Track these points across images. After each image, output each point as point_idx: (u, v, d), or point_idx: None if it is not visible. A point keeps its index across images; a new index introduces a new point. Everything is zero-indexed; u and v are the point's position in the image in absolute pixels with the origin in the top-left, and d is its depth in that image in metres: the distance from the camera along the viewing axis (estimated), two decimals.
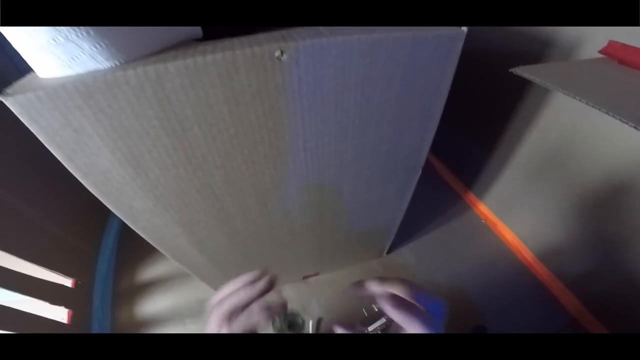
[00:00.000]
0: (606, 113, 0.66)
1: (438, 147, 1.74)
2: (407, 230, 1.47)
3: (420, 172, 0.86)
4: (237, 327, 0.35)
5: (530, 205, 1.30)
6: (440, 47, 0.55)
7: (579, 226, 1.14)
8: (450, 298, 1.28)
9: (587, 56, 0.92)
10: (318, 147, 0.63)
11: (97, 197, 0.57)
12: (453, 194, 1.71)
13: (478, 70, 1.31)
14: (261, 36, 0.48)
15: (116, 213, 0.62)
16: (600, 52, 0.88)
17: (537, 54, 1.04)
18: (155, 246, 0.76)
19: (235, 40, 0.47)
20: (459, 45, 0.56)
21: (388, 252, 1.41)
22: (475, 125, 1.46)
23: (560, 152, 1.10)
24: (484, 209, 1.56)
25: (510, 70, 0.71)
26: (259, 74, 0.47)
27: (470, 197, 1.63)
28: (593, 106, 0.67)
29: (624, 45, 0.86)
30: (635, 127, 0.61)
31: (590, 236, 1.10)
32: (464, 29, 0.54)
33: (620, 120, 0.64)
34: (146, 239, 0.73)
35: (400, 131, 0.69)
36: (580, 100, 0.68)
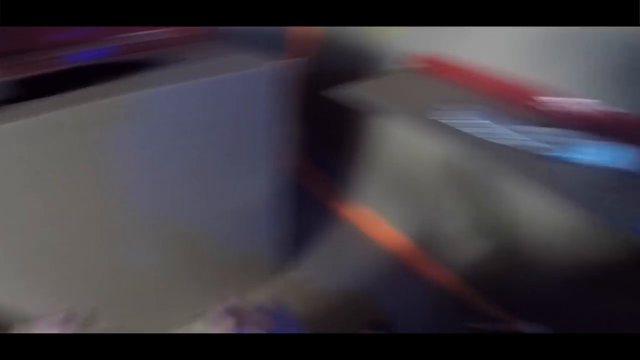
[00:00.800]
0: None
1: (310, 160, 1.90)
2: (297, 245, 1.58)
3: (280, 193, 0.96)
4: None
5: (399, 204, 1.54)
6: (249, 85, 0.62)
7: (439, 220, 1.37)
8: (348, 302, 1.40)
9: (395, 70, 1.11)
10: (160, 191, 0.68)
11: None
12: (330, 205, 1.85)
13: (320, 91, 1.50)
14: (78, 94, 0.50)
15: None
16: (417, 64, 1.06)
17: (358, 72, 1.22)
18: None
19: (52, 101, 0.49)
20: (268, 79, 0.64)
21: (283, 270, 1.47)
22: (338, 140, 1.64)
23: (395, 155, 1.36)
24: (357, 213, 1.75)
25: (321, 93, 0.82)
26: (75, 134, 0.50)
27: (346, 206, 1.80)
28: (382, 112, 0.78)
29: (434, 58, 1.04)
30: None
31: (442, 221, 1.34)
32: (267, 66, 0.62)
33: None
34: None
35: (243, 161, 0.77)
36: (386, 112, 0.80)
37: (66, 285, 0.76)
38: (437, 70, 1.05)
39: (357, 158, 1.58)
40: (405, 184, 1.44)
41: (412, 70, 1.09)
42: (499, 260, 1.22)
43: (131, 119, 0.53)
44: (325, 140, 1.73)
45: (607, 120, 0.82)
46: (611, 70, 0.79)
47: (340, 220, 1.77)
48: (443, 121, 0.81)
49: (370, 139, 1.46)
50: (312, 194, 1.92)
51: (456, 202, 1.22)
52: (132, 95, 0.51)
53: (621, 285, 0.96)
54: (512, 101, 0.94)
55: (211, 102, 0.58)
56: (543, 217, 1.02)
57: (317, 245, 1.63)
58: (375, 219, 1.67)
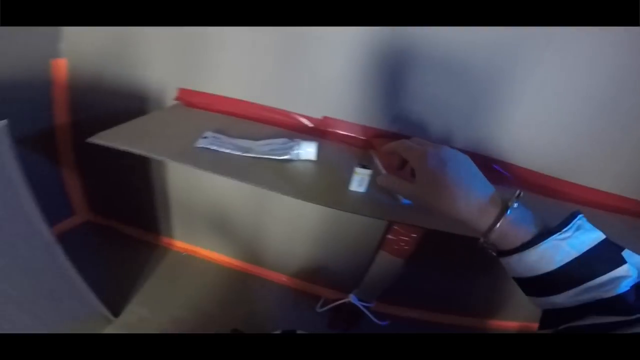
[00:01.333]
0: (153, 157, 0.85)
1: (116, 212, 1.84)
2: (125, 291, 1.54)
3: (57, 244, 0.96)
4: None
5: (198, 230, 1.70)
6: None
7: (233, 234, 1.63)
8: (202, 327, 1.44)
9: (169, 104, 1.24)
10: None
11: None
12: (149, 244, 1.83)
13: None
14: None
15: None
16: (175, 99, 1.21)
17: (138, 108, 1.29)
18: None
19: None
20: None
21: (116, 316, 1.42)
22: (128, 183, 1.62)
23: (186, 188, 1.54)
24: (179, 244, 1.81)
25: (87, 141, 0.81)
26: None
27: (164, 239, 1.82)
28: (145, 154, 0.81)
29: (190, 91, 1.20)
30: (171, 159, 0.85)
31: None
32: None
33: (163, 158, 0.87)
34: None
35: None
36: (134, 151, 0.81)
37: None
38: (192, 102, 1.21)
39: (150, 195, 1.63)
40: (207, 211, 1.60)
41: (173, 106, 1.23)
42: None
43: None
44: (112, 184, 1.68)
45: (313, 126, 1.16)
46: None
47: (161, 254, 1.79)
48: (204, 147, 0.90)
49: (156, 174, 1.56)
50: (119, 237, 1.85)
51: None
52: None
53: None
54: (256, 119, 1.18)
55: None
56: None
57: (144, 283, 1.62)
58: (192, 247, 1.80)
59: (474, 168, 0.47)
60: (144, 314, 1.46)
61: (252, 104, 1.16)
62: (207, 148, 0.89)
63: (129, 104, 1.28)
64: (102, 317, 1.34)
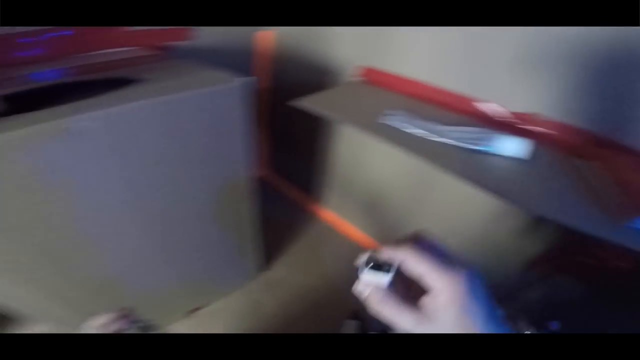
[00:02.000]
0: (346, 124, 0.89)
1: (285, 171, 2.02)
2: (274, 248, 1.65)
3: (254, 196, 1.00)
4: None
5: (356, 202, 1.63)
6: (219, 100, 0.63)
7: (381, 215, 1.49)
8: (329, 296, 1.45)
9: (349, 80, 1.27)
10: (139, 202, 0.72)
11: None
12: (306, 208, 1.96)
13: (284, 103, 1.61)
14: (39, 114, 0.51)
15: None
16: (359, 76, 1.22)
17: (317, 83, 1.39)
18: None
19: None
20: (245, 92, 0.65)
21: (262, 271, 1.52)
22: (303, 146, 1.73)
23: (352, 162, 1.49)
24: (330, 214, 1.85)
25: (287, 104, 0.94)
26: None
27: (316, 207, 1.92)
28: (338, 121, 0.90)
29: (376, 70, 1.20)
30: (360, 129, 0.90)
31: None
32: (237, 81, 0.64)
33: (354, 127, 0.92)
34: None
35: (213, 171, 0.81)
36: (331, 118, 0.90)
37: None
38: (376, 81, 1.20)
39: (319, 162, 1.69)
40: (364, 188, 1.54)
41: (357, 81, 1.24)
42: None
43: (107, 133, 0.54)
44: (289, 146, 1.85)
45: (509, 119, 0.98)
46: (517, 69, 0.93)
47: (311, 221, 1.87)
48: (390, 125, 0.91)
49: (328, 144, 1.58)
50: (280, 197, 2.02)
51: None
52: (112, 110, 0.52)
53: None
54: (441, 105, 1.09)
55: (187, 115, 0.60)
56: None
57: (289, 245, 1.71)
58: (340, 219, 1.80)
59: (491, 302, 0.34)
60: (283, 275, 1.54)
61: (439, 88, 1.09)
62: (394, 125, 0.90)
63: (317, 77, 1.40)
64: (250, 271, 1.44)
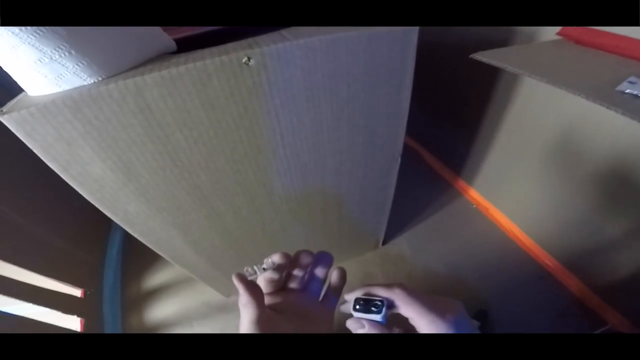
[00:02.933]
0: (564, 89, 0.72)
1: (424, 137, 1.85)
2: (401, 221, 1.51)
3: (399, 160, 0.90)
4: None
5: (516, 187, 1.34)
6: (395, 42, 0.59)
7: (566, 204, 1.17)
8: (450, 286, 1.32)
9: (546, 39, 0.97)
10: (295, 143, 0.68)
11: (94, 204, 0.62)
12: (443, 181, 1.75)
13: (450, 60, 1.37)
14: (229, 45, 0.52)
15: (113, 218, 0.67)
16: (558, 34, 0.94)
17: (502, 40, 1.09)
18: (153, 249, 0.81)
19: (206, 51, 0.51)
20: (413, 39, 0.60)
21: (383, 244, 1.44)
22: (456, 113, 1.51)
23: (536, 131, 1.14)
24: (474, 193, 1.59)
25: (470, 56, 0.75)
26: (229, 79, 0.52)
27: (460, 183, 1.67)
28: (552, 84, 0.72)
29: (579, 27, 0.92)
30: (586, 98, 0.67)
31: (581, 213, 1.13)
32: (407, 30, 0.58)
33: (577, 95, 0.70)
34: (144, 243, 0.77)
35: (372, 122, 0.73)
36: (535, 78, 0.73)
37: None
38: (580, 39, 0.93)
39: (474, 134, 1.44)
40: (519, 168, 1.29)
41: (555, 40, 0.96)
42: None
43: (277, 67, 0.54)
44: (439, 111, 1.62)
45: None
46: None
47: (454, 199, 1.65)
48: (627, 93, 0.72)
49: (492, 115, 1.31)
50: (419, 165, 1.86)
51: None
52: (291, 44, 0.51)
53: None
54: None
55: (362, 54, 0.57)
56: None
57: (419, 221, 1.56)
58: (497, 203, 1.52)
59: None
60: (405, 252, 1.43)
61: None
62: (635, 94, 0.72)
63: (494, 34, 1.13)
64: (373, 241, 1.36)
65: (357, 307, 0.36)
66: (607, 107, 0.71)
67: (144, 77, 0.47)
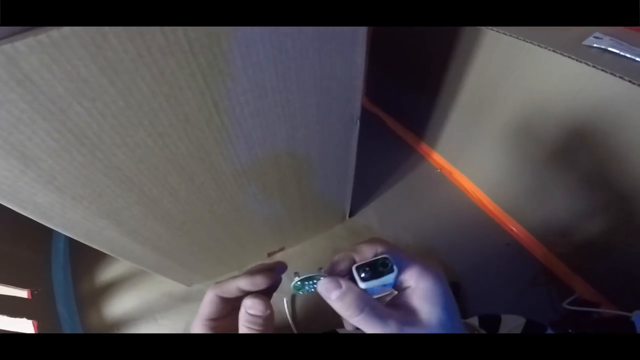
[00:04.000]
0: (531, 43, 0.70)
1: (385, 101, 1.77)
2: (366, 190, 1.46)
3: (358, 124, 0.83)
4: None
5: (479, 149, 1.30)
6: None
7: (526, 168, 1.14)
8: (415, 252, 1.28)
9: None
10: (234, 108, 0.58)
11: None
12: (406, 146, 1.69)
13: None
14: None
15: (22, 212, 0.57)
16: None
17: None
18: (86, 243, 0.72)
19: None
20: None
21: (350, 216, 1.39)
22: (417, 75, 1.43)
23: (496, 92, 1.09)
24: (437, 157, 1.56)
25: None
26: (134, 37, 0.42)
27: (423, 147, 1.62)
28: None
29: None
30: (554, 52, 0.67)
31: (540, 178, 1.11)
32: None
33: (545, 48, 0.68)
34: (72, 237, 0.68)
35: (324, 81, 0.64)
36: (501, 32, 0.70)
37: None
38: None
39: (435, 94, 1.37)
40: (485, 129, 1.23)
41: None
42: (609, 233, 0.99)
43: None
44: (396, 71, 1.54)
45: None
46: None
47: (418, 164, 1.61)
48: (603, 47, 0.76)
49: (453, 74, 1.24)
50: (380, 130, 1.79)
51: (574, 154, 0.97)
52: None
53: None
54: None
55: None
56: None
57: (385, 189, 1.51)
58: (461, 167, 1.48)
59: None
60: (373, 223, 1.38)
61: None
62: (603, 49, 0.77)
63: None
64: (339, 214, 1.30)
65: (364, 275, 0.28)
66: (578, 61, 0.77)
67: (14, 44, 0.37)
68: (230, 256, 1.15)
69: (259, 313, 0.30)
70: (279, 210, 0.99)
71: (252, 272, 0.32)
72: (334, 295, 0.27)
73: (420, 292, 0.28)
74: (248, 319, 0.30)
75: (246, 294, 0.31)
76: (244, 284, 0.31)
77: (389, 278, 0.28)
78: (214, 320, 0.33)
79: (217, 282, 0.33)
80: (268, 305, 0.30)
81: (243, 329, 0.30)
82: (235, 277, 0.32)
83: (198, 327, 0.32)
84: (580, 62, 0.73)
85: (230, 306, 0.33)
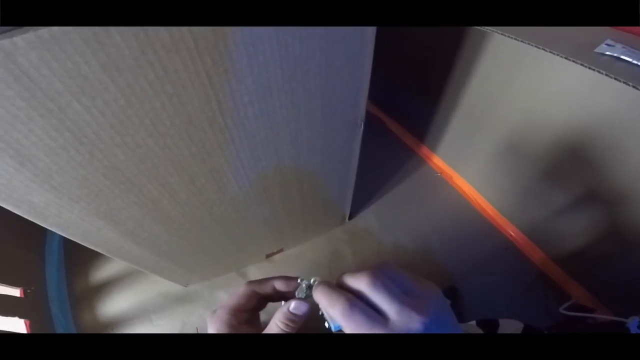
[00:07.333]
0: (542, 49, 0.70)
1: (386, 104, 1.76)
2: (366, 193, 1.45)
3: (362, 127, 0.82)
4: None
5: (480, 154, 1.29)
6: None
7: (525, 174, 1.14)
8: (418, 260, 1.27)
9: None
10: (238, 109, 0.57)
11: None
12: (407, 149, 1.69)
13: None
14: None
15: (17, 212, 0.55)
16: None
17: None
18: (82, 243, 0.70)
19: None
20: None
21: (350, 218, 1.38)
22: (420, 79, 1.42)
23: (498, 99, 1.08)
24: (438, 161, 1.55)
25: None
26: (137, 33, 0.40)
27: (424, 150, 1.61)
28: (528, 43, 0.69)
29: None
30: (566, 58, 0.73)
31: (538, 184, 1.10)
32: None
33: (557, 55, 0.68)
34: (68, 237, 0.66)
35: (330, 83, 0.63)
36: (510, 37, 0.70)
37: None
38: None
39: (437, 98, 1.36)
40: (485, 136, 1.22)
41: None
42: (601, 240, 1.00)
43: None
44: (397, 75, 1.53)
45: None
46: None
47: (419, 167, 1.60)
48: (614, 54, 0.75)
49: (454, 79, 1.23)
50: (382, 133, 1.78)
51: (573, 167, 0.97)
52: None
53: None
54: None
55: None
56: None
57: (385, 192, 1.50)
58: (461, 171, 1.47)
59: None
60: (372, 226, 1.37)
61: None
62: (616, 56, 0.76)
63: None
64: (339, 216, 1.29)
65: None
66: (590, 68, 0.73)
67: (12, 39, 0.35)
68: (229, 257, 1.14)
69: (300, 313, 0.33)
70: (279, 212, 0.97)
71: (286, 277, 0.36)
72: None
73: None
74: (289, 317, 0.33)
75: (276, 294, 0.36)
76: (280, 285, 0.36)
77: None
78: (242, 311, 0.35)
79: (252, 280, 0.36)
80: (310, 308, 0.33)
81: (277, 325, 0.33)
82: (271, 277, 0.36)
83: (223, 315, 0.34)
84: (593, 69, 0.72)
85: (257, 303, 0.36)
